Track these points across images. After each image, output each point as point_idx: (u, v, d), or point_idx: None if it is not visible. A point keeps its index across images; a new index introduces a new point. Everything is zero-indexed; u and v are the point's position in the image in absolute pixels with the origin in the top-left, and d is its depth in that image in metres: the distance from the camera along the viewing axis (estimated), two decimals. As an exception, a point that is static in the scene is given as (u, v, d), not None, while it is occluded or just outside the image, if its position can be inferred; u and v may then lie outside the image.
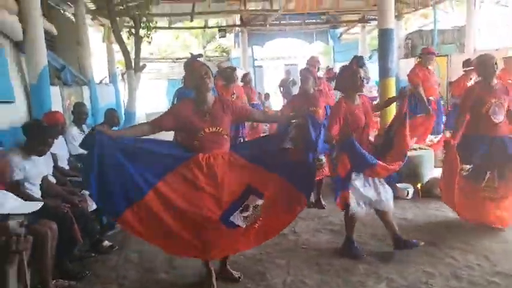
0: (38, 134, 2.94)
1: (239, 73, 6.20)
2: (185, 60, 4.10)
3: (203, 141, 2.63)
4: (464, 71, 6.29)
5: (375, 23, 12.91)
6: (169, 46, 17.91)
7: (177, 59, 14.51)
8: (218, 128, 2.67)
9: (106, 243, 3.45)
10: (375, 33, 16.14)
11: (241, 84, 7.93)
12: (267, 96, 11.67)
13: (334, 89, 3.39)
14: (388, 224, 3.21)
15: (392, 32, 5.28)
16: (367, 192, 3.04)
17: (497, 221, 3.54)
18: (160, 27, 10.07)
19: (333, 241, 3.51)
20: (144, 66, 7.77)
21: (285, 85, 12.79)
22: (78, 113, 4.47)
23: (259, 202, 2.61)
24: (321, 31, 14.08)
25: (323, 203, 4.47)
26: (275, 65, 25.25)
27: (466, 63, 6.21)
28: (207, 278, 2.79)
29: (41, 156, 3.03)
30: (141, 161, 2.48)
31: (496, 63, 3.45)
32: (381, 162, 2.98)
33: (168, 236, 2.48)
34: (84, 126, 4.47)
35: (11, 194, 1.81)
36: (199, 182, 2.53)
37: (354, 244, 3.23)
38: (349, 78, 3.10)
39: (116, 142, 2.44)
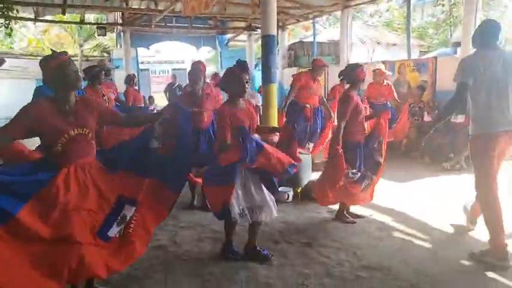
0: None
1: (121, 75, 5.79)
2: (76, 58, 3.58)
3: (67, 146, 2.27)
4: (341, 80, 6.83)
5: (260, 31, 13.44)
6: (37, 42, 15.95)
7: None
8: (84, 129, 2.34)
9: None
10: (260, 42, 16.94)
11: (125, 86, 7.42)
12: (151, 99, 11.17)
13: (222, 90, 3.28)
14: (254, 233, 3.20)
15: (274, 39, 5.47)
16: (250, 198, 2.97)
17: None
18: (23, 18, 8.79)
19: (216, 250, 3.38)
20: (2, 60, 6.65)
21: (170, 90, 12.45)
22: None
23: (133, 210, 2.44)
24: (208, 36, 14.06)
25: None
26: (162, 69, 24.61)
27: (341, 73, 6.78)
28: None
29: None
30: None
31: (362, 71, 3.78)
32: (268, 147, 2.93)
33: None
34: None
35: None
36: (69, 203, 2.19)
37: (232, 247, 3.19)
38: (232, 82, 3.03)
39: None
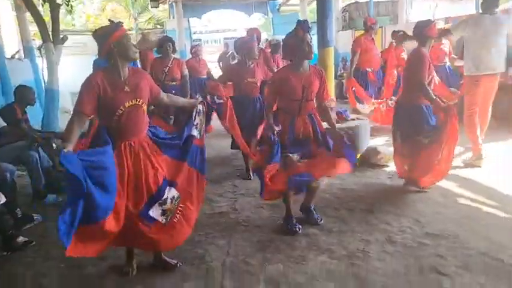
0: None
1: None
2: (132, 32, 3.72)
3: (122, 119, 2.33)
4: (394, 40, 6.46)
5: (312, -6, 12.92)
6: (95, 18, 16.60)
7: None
8: (138, 100, 2.38)
9: (21, 238, 3.05)
10: (314, 5, 16.28)
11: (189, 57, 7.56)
12: (209, 72, 11.28)
13: (282, 59, 3.25)
14: (313, 195, 3.25)
15: (330, 1, 5.21)
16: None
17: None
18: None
19: (274, 216, 3.45)
20: (65, 38, 6.96)
21: (224, 59, 12.46)
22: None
23: (176, 194, 2.52)
24: (259, 2, 13.79)
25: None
26: (214, 39, 24.67)
27: (394, 33, 6.39)
28: (127, 261, 2.64)
29: None
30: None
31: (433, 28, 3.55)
32: None
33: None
34: None
35: None
36: (124, 175, 2.32)
37: (292, 220, 3.17)
38: (295, 44, 2.93)
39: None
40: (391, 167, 4.44)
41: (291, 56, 3.03)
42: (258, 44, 5.07)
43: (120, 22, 2.42)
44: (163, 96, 2.66)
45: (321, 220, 3.22)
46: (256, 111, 4.39)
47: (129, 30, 12.77)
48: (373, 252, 2.72)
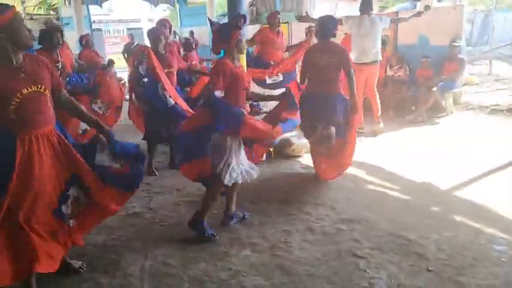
0: None
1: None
2: None
3: (22, 109, 2.02)
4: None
5: (220, -14, 12.82)
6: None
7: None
8: (39, 86, 2.08)
9: None
10: (221, -2, 16.21)
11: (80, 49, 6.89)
12: (111, 62, 10.53)
13: (214, 53, 3.05)
14: (232, 198, 3.12)
15: (242, -7, 5.17)
16: (243, 160, 2.90)
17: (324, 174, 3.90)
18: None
19: (193, 212, 3.32)
20: None
21: (129, 50, 11.76)
22: None
23: (81, 196, 2.34)
24: (166, -7, 13.27)
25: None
26: (116, 29, 23.24)
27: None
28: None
29: None
30: None
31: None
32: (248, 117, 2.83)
33: None
34: None
35: None
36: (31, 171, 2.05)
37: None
38: (229, 37, 2.82)
39: None
40: (304, 157, 4.62)
41: (223, 46, 2.90)
42: (170, 33, 4.85)
43: (8, 4, 2.10)
44: (65, 93, 2.38)
45: (244, 216, 3.16)
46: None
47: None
48: (295, 242, 2.78)
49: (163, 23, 4.80)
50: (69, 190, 2.26)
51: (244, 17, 3.00)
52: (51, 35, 3.99)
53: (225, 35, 2.85)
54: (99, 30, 19.22)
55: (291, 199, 3.52)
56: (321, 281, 2.34)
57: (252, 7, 12.68)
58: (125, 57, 11.62)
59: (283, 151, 4.79)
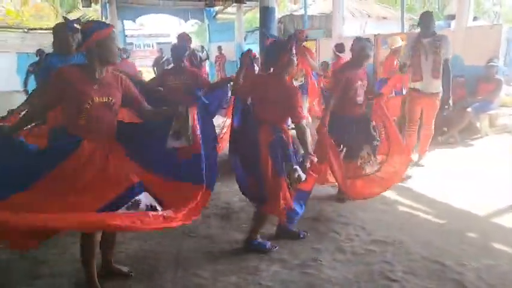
0: None
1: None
2: (54, 26, 3.36)
3: (90, 115, 2.18)
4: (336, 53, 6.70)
5: (251, 3, 13.10)
6: (16, 13, 15.20)
7: (30, 29, 12.34)
8: (109, 98, 2.25)
9: None
10: (250, 14, 16.55)
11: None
12: (140, 74, 10.87)
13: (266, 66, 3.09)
14: None
15: (274, 11, 5.33)
16: None
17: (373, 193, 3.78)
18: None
19: (223, 226, 3.38)
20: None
21: (158, 64, 12.12)
22: None
23: (154, 203, 2.26)
24: (196, 9, 13.67)
25: None
26: (146, 43, 23.96)
27: (338, 47, 6.67)
28: (88, 281, 2.34)
29: None
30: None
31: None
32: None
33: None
34: None
35: None
36: (80, 182, 2.13)
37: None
38: (281, 56, 2.78)
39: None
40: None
41: (272, 64, 2.91)
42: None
43: (107, 23, 2.36)
44: (145, 105, 2.48)
45: (307, 233, 3.16)
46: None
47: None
48: (325, 261, 2.76)
49: (184, 38, 4.95)
50: (131, 197, 2.21)
51: (295, 38, 2.94)
52: None
53: (273, 55, 2.86)
54: (131, 44, 19.90)
55: (319, 217, 3.51)
56: (352, 302, 2.31)
57: (279, 24, 12.89)
58: (154, 71, 11.99)
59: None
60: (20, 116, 2.53)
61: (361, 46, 3.62)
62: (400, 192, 4.06)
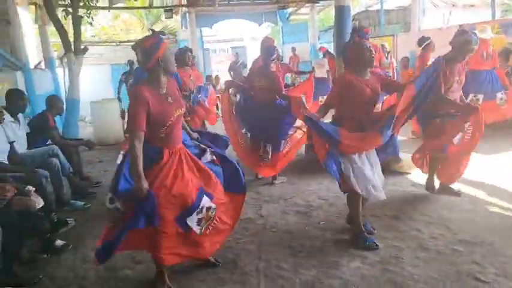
0: None
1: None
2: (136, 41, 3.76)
3: (171, 129, 2.38)
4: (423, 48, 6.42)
5: (323, 3, 13.02)
6: (110, 29, 16.88)
7: (120, 42, 13.66)
8: (182, 108, 2.47)
9: (59, 242, 3.13)
10: (323, 14, 16.41)
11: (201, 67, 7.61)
12: (217, 78, 11.41)
13: (345, 68, 3.20)
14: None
15: (349, 9, 5.29)
16: (369, 174, 2.91)
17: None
18: (100, 7, 9.32)
19: (302, 222, 3.48)
20: (86, 48, 7.14)
21: (234, 68, 12.60)
22: (15, 101, 3.91)
23: (212, 204, 2.53)
24: (269, 12, 13.89)
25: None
26: (221, 48, 24.89)
27: (421, 41, 6.38)
28: (158, 276, 2.56)
29: None
30: None
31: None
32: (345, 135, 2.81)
33: None
34: (20, 115, 4.00)
35: None
36: (166, 183, 2.36)
37: (364, 233, 3.04)
38: (355, 52, 2.89)
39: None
40: (413, 174, 4.46)
41: (352, 65, 2.97)
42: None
43: (161, 33, 2.43)
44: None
45: (375, 229, 3.18)
46: (274, 115, 4.41)
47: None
48: (406, 259, 2.73)
49: (270, 42, 5.11)
50: (201, 202, 2.47)
51: (357, 31, 3.02)
52: (184, 54, 4.69)
53: (346, 53, 2.96)
54: (207, 49, 20.87)
55: (399, 216, 3.45)
56: (437, 301, 2.27)
57: (354, 21, 12.61)
58: (230, 75, 12.49)
59: (390, 167, 4.69)
60: None
61: (465, 39, 3.43)
62: (490, 192, 3.81)
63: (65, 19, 7.44)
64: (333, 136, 2.77)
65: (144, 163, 2.26)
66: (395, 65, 6.80)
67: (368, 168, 2.91)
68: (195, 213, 2.44)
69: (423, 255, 2.77)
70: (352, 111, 2.94)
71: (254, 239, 3.19)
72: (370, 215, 3.48)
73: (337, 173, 2.81)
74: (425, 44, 6.04)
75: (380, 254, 2.82)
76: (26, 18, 8.11)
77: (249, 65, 5.75)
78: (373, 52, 2.91)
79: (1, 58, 5.33)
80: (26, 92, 6.27)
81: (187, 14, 12.18)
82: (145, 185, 2.21)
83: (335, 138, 2.77)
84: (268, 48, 4.55)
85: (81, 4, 7.18)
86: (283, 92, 4.52)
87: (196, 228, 2.47)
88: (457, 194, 3.78)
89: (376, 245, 2.91)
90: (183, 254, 2.51)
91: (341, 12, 5.30)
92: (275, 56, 4.49)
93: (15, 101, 3.89)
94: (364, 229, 3.04)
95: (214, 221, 2.56)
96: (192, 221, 2.45)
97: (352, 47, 2.97)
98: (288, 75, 9.86)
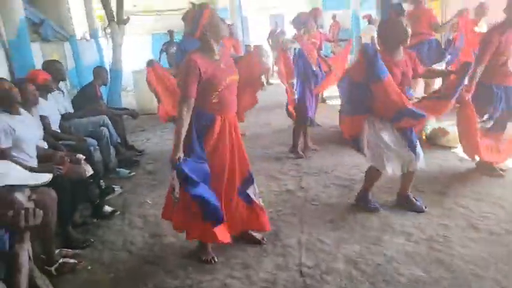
0: (4, 91, 2.65)
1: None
2: (184, 10, 3.73)
3: (222, 95, 2.36)
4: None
5: (368, -33, 12.29)
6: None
7: (160, 11, 13.67)
8: (235, 76, 2.43)
9: (107, 208, 3.29)
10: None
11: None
12: (260, 48, 11.19)
13: (378, 45, 3.07)
14: (408, 181, 3.07)
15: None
16: (403, 150, 2.85)
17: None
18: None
19: (343, 195, 3.43)
20: (128, 18, 7.22)
21: (273, 36, 12.30)
22: (55, 71, 3.92)
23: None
24: (310, -23, 13.34)
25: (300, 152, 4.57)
26: (259, 16, 24.37)
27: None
28: (201, 246, 2.63)
29: (26, 108, 2.82)
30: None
31: None
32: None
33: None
34: (61, 83, 4.12)
35: (14, 164, 1.54)
36: (221, 151, 2.40)
37: (369, 198, 3.14)
38: (390, 29, 2.76)
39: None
40: (459, 148, 4.24)
41: (384, 42, 2.84)
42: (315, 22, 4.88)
43: (204, 3, 2.43)
44: None
45: (426, 207, 3.05)
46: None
47: (182, 9, 12.86)
48: (455, 238, 2.63)
49: (316, 14, 4.92)
50: (251, 177, 2.52)
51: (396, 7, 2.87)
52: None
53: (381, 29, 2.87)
54: (245, 17, 20.46)
55: (447, 192, 3.31)
56: (489, 284, 2.17)
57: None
58: (269, 43, 12.23)
59: (436, 140, 4.50)
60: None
61: None
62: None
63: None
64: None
65: (197, 130, 2.33)
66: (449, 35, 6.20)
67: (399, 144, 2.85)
68: (254, 184, 2.52)
69: (473, 234, 2.66)
70: None
71: (295, 212, 3.19)
72: (415, 190, 3.36)
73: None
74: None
75: (426, 232, 2.74)
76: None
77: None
78: (408, 31, 2.72)
79: (50, 29, 5.49)
80: (75, 62, 6.54)
81: (225, -18, 11.93)
82: (179, 155, 2.22)
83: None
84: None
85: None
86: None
87: (258, 200, 2.55)
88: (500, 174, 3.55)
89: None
90: (242, 228, 2.61)
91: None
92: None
93: (55, 70, 3.90)
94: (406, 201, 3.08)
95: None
96: (252, 192, 2.53)
97: (386, 24, 2.84)
98: (328, 44, 9.56)
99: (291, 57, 4.30)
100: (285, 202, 3.37)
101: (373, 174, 3.08)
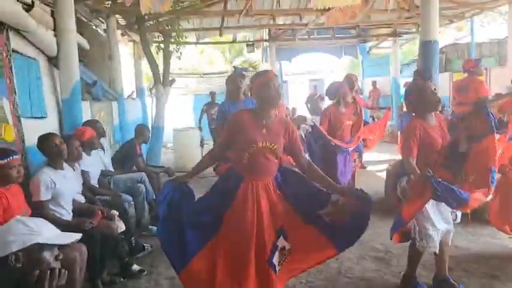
0: (49, 145, 2.82)
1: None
2: (228, 74, 3.93)
3: (253, 156, 2.33)
4: None
5: (406, 36, 12.58)
6: (195, 61, 18.10)
7: (204, 74, 14.53)
8: (273, 144, 2.36)
9: (135, 266, 3.24)
10: (405, 47, 15.85)
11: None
12: (294, 110, 11.44)
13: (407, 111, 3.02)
14: (442, 259, 2.82)
15: (437, 44, 4.99)
16: (439, 222, 2.66)
17: None
18: (189, 42, 10.03)
19: (379, 270, 3.21)
20: (173, 80, 7.71)
21: (312, 101, 12.54)
22: (96, 129, 4.05)
23: (287, 245, 2.41)
24: (349, 45, 13.77)
25: None
26: (300, 80, 25.14)
27: None
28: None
29: (69, 163, 2.92)
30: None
31: None
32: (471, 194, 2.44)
33: None
34: (102, 139, 4.31)
35: (48, 222, 1.59)
36: (247, 218, 2.32)
37: (417, 281, 2.87)
38: (419, 95, 2.69)
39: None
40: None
41: (416, 108, 2.77)
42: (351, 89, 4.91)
43: (243, 69, 2.56)
44: (305, 158, 2.59)
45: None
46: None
47: (225, 72, 13.60)
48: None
49: (350, 80, 5.00)
50: (278, 240, 2.37)
51: (420, 72, 2.84)
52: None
53: (409, 96, 2.79)
54: (285, 82, 21.21)
55: (499, 275, 3.00)
56: None
57: (440, 54, 11.92)
58: (307, 107, 12.46)
59: (483, 216, 4.18)
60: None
61: None
62: None
63: (157, 53, 8.13)
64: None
65: (225, 187, 2.42)
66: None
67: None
68: (277, 252, 2.38)
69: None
70: (424, 160, 2.65)
71: (328, 284, 3.00)
72: (462, 270, 3.10)
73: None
74: None
75: (474, 319, 2.46)
76: (124, 54, 9.03)
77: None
78: (438, 97, 2.64)
79: (101, 90, 5.92)
80: (119, 118, 6.92)
81: (267, 48, 12.56)
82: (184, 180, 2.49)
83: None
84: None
85: (172, 40, 7.80)
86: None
87: (277, 268, 2.38)
88: None
89: None
90: None
91: (427, 47, 5.00)
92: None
93: (96, 129, 4.03)
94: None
95: (286, 259, 2.44)
96: (276, 260, 2.38)
97: (414, 89, 2.75)
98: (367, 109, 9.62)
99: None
100: (317, 273, 3.18)
101: (416, 255, 2.81)
